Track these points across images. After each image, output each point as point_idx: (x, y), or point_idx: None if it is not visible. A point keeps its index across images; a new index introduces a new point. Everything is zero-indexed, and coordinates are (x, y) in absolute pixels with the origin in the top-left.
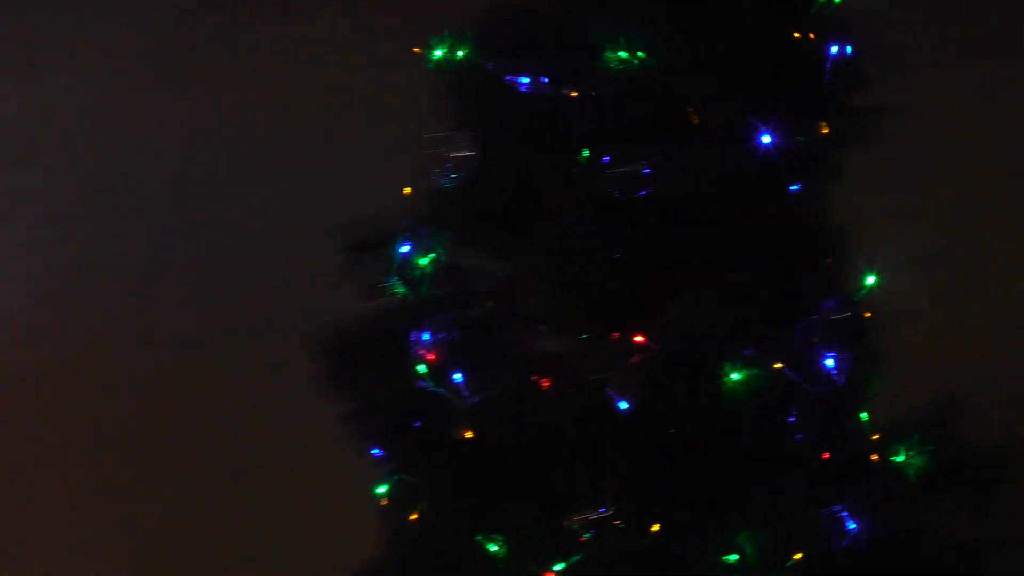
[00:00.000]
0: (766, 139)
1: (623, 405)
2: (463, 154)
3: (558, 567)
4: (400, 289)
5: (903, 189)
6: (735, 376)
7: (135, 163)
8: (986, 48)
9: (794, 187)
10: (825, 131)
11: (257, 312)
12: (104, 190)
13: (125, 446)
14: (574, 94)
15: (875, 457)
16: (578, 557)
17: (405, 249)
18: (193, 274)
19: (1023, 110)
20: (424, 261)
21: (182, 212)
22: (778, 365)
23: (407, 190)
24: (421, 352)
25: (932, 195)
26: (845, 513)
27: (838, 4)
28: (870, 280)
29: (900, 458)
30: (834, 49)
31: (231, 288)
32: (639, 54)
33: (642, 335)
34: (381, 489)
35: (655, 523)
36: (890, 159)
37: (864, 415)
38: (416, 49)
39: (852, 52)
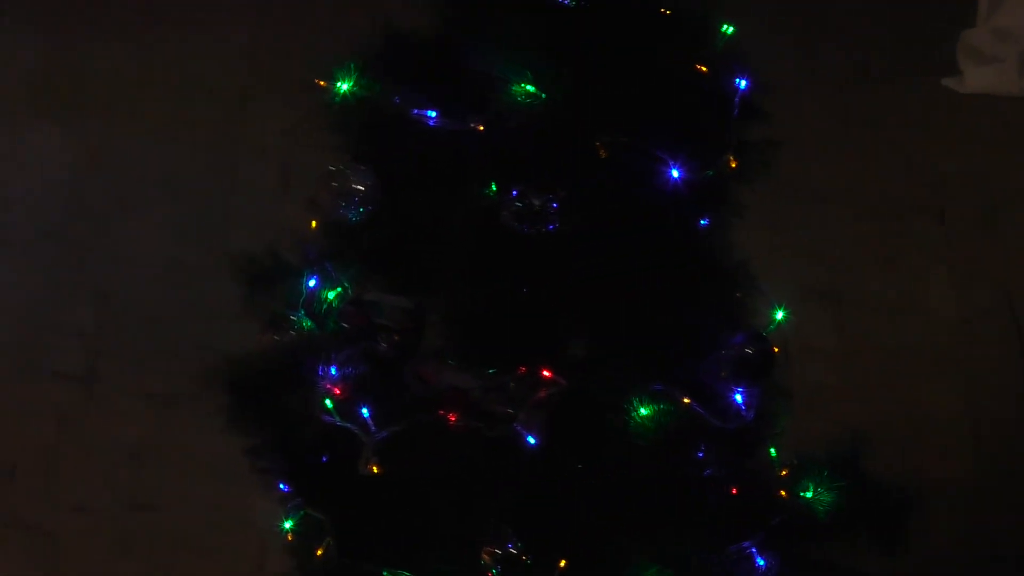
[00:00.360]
0: (675, 173)
1: (530, 440)
2: (367, 188)
3: None
4: (307, 323)
5: (797, 224)
6: (643, 411)
7: (23, 194)
8: (871, 75)
9: (703, 221)
10: (733, 165)
11: (158, 344)
12: None
13: (23, 480)
14: (480, 128)
15: (783, 493)
16: None
17: (312, 283)
18: (85, 307)
19: (909, 141)
20: (331, 295)
21: (72, 244)
22: (686, 400)
23: (312, 224)
24: (327, 386)
25: (825, 230)
26: (754, 549)
27: (732, 35)
28: (779, 315)
29: (809, 494)
30: (742, 83)
31: (128, 321)
32: (546, 88)
33: (549, 370)
34: (287, 524)
35: (562, 559)
36: (785, 194)
37: (772, 450)
38: (320, 81)
39: (750, 85)
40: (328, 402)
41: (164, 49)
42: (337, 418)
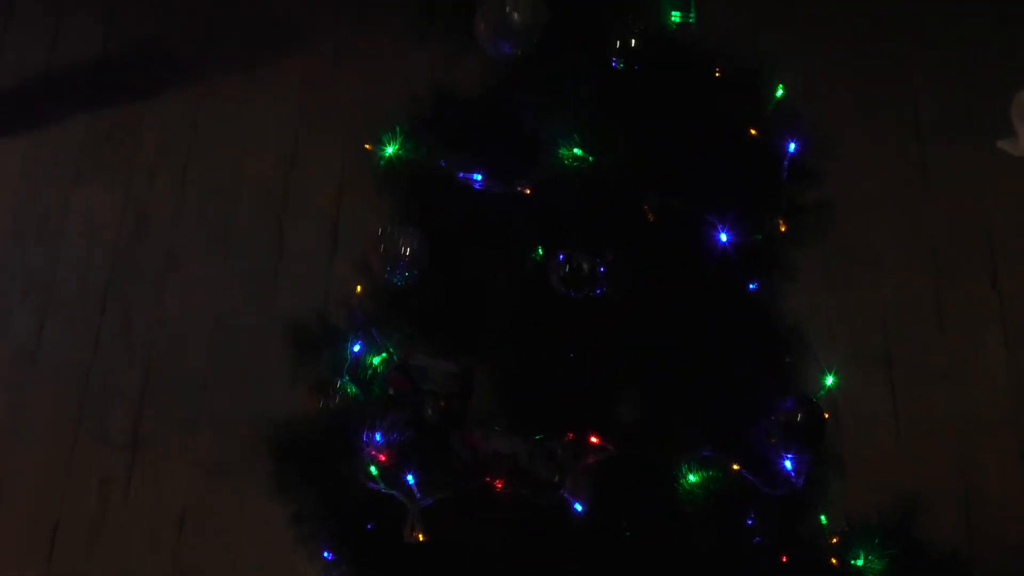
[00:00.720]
0: (723, 237)
1: (578, 507)
2: (413, 251)
3: None
4: (351, 389)
5: (848, 287)
6: (692, 478)
7: (69, 256)
8: (924, 135)
9: (752, 285)
10: (783, 228)
11: (204, 410)
12: (38, 284)
13: (70, 545)
14: (527, 191)
15: (834, 561)
16: None
17: (356, 348)
18: (131, 370)
19: (958, 198)
20: (376, 360)
21: (119, 306)
22: (735, 466)
23: (358, 288)
24: (373, 453)
25: (877, 293)
26: None
27: (782, 98)
28: (829, 380)
29: (860, 562)
30: (792, 146)
31: (174, 385)
32: (594, 151)
33: (597, 435)
34: None
35: None
36: (835, 255)
37: (823, 517)
38: (368, 146)
39: (803, 147)
40: (373, 469)
41: (213, 109)
42: (382, 485)
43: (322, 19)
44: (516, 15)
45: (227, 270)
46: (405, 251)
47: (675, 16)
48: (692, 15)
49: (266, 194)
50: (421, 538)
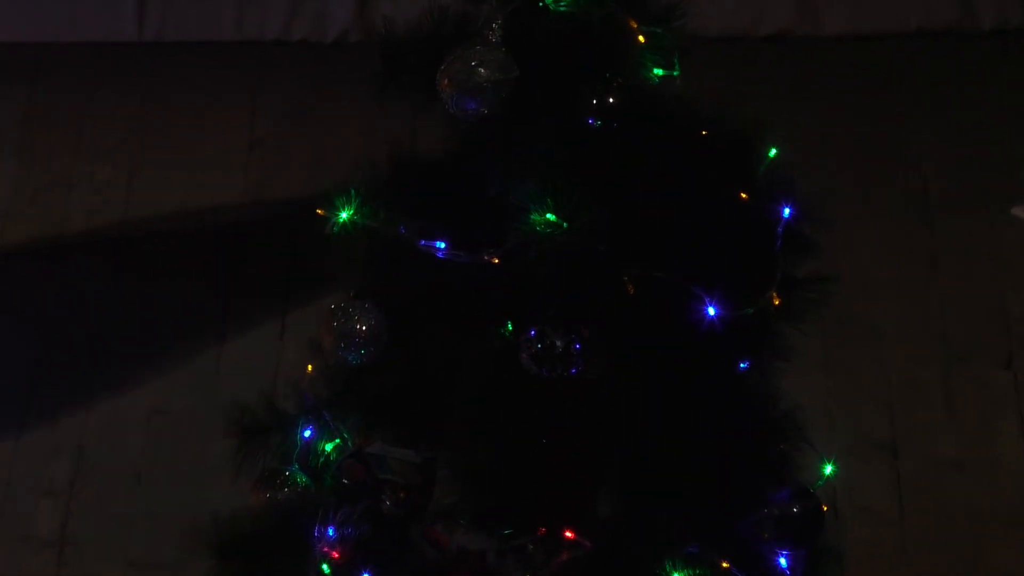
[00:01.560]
0: (711, 311)
1: None
2: (370, 327)
3: None
4: (302, 478)
5: (849, 368)
6: None
7: None
8: (932, 203)
9: (743, 364)
10: (777, 302)
11: (139, 504)
12: None
13: None
14: (496, 260)
15: None
16: None
17: (307, 434)
18: (59, 462)
19: (969, 274)
20: (328, 447)
21: (46, 392)
22: (725, 564)
23: (309, 368)
24: (325, 549)
25: (881, 375)
26: None
27: (775, 160)
28: (828, 469)
29: None
30: (786, 211)
31: (106, 477)
32: (568, 216)
33: (572, 530)
34: None
35: None
36: (835, 333)
37: None
38: (319, 211)
39: (798, 214)
40: (326, 567)
41: (150, 180)
42: None
43: (273, 73)
44: (482, 70)
45: (165, 350)
46: (361, 327)
47: (657, 71)
48: (676, 70)
49: (208, 267)
50: None
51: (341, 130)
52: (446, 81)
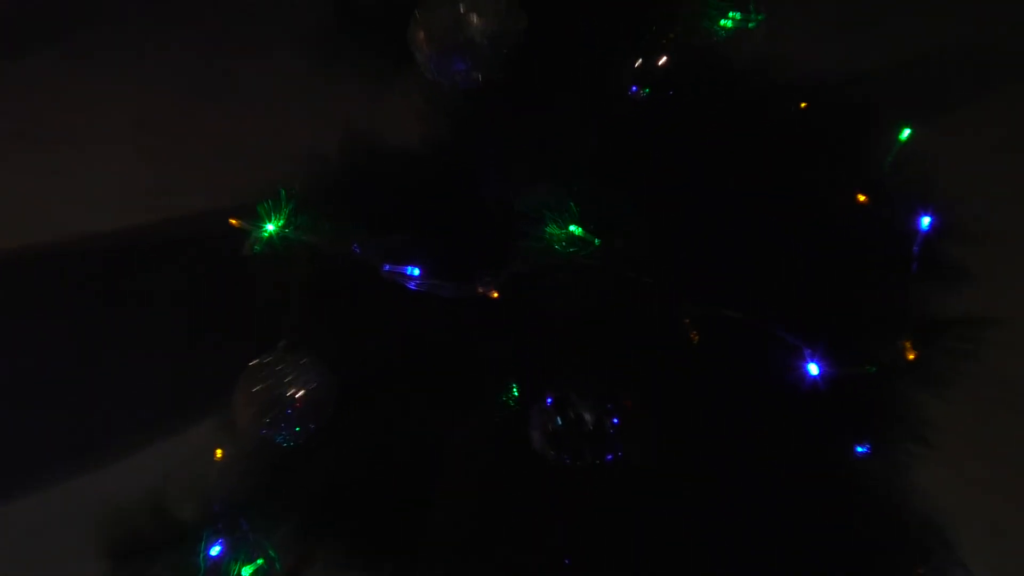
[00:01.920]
0: (813, 369)
1: None
2: (310, 391)
3: None
4: None
5: (1013, 453)
6: None
7: None
8: None
9: (860, 448)
10: (911, 357)
11: None
12: None
13: None
14: (494, 294)
15: None
16: None
17: (215, 551)
18: None
19: None
20: (247, 571)
21: None
22: None
23: (218, 453)
24: None
25: None
26: None
27: (909, 141)
28: None
29: None
30: (925, 222)
31: None
32: (601, 230)
33: None
34: None
35: None
36: (997, 404)
37: None
38: (234, 220)
39: (942, 225)
40: None
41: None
42: None
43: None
44: (475, 17)
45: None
46: (295, 393)
47: (730, 17)
48: (755, 17)
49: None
50: None
51: (276, 107)
52: (423, 34)
